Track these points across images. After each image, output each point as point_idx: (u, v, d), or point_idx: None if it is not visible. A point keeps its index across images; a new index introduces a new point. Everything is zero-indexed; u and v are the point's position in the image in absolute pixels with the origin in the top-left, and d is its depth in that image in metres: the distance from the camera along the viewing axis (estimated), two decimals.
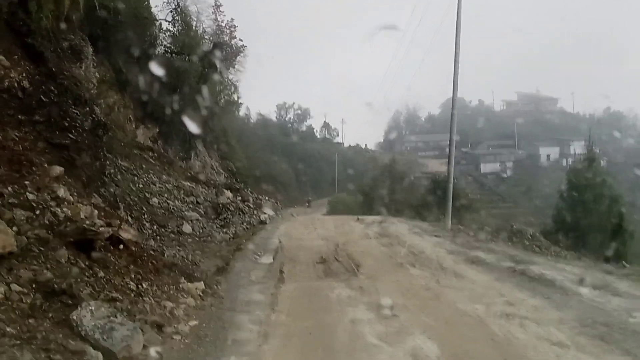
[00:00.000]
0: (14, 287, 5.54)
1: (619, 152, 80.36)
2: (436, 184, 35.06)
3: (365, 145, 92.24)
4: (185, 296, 7.99)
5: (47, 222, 6.81)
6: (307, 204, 48.77)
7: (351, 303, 8.56)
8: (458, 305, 8.11)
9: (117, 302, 6.39)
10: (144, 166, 21.02)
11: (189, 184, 22.29)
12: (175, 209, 18.30)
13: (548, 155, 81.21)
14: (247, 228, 19.04)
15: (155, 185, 19.56)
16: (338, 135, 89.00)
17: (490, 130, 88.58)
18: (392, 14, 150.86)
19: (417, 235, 16.26)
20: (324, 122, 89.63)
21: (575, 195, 18.66)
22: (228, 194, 22.76)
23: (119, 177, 16.40)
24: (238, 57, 30.93)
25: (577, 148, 63.40)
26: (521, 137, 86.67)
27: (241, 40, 30.42)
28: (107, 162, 13.51)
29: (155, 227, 15.86)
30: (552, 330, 6.68)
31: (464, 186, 48.80)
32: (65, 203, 7.57)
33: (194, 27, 29.26)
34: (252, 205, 23.33)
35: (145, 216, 16.18)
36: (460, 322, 7.23)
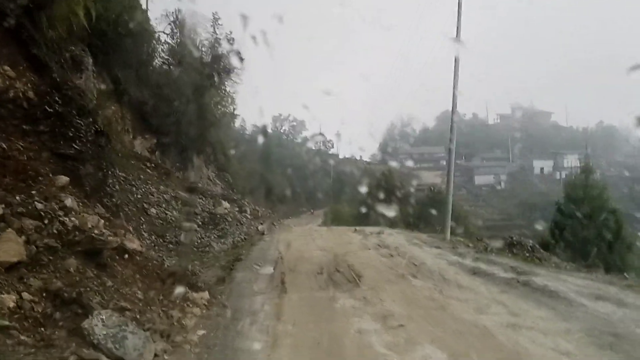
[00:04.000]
0: (25, 295, 5.54)
1: (612, 165, 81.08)
2: (432, 195, 35.19)
3: (360, 156, 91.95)
4: (191, 306, 7.99)
5: (55, 232, 6.80)
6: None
7: (356, 313, 8.56)
8: (464, 316, 8.12)
9: (127, 311, 6.38)
10: (141, 177, 20.95)
11: (186, 194, 22.22)
12: (173, 219, 18.27)
13: (542, 169, 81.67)
14: (245, 238, 19.03)
15: (153, 195, 19.52)
16: (333, 146, 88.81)
17: (484, 143, 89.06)
18: (393, 23, 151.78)
19: (417, 246, 16.27)
20: (319, 133, 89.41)
21: (573, 207, 18.79)
22: (225, 204, 22.76)
23: (117, 187, 16.30)
24: (235, 69, 31.02)
25: (571, 161, 63.93)
26: (515, 150, 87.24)
27: (239, 53, 30.52)
28: (109, 173, 13.49)
29: (153, 237, 15.83)
30: (560, 341, 6.70)
31: (458, 198, 48.92)
32: (73, 212, 7.56)
33: (191, 40, 29.35)
34: (249, 216, 23.38)
35: (144, 226, 16.15)
36: (467, 332, 7.24)
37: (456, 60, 18.26)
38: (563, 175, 58.51)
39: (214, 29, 29.75)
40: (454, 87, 18.55)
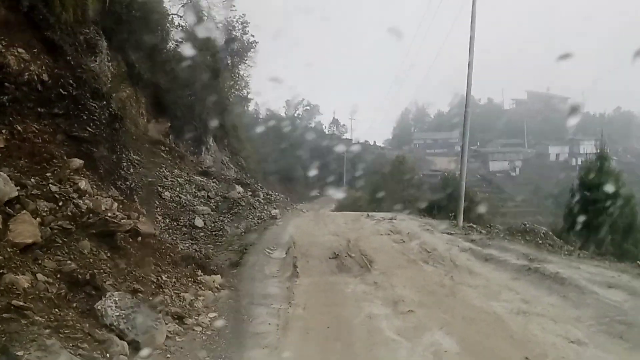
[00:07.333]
0: (40, 276, 5.62)
1: (629, 152, 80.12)
2: (446, 181, 34.98)
3: (374, 142, 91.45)
4: (204, 288, 8.09)
5: (70, 214, 6.88)
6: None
7: (367, 298, 8.60)
8: (474, 302, 8.13)
9: (139, 293, 6.47)
10: (155, 160, 21.05)
11: (200, 178, 22.32)
12: (187, 202, 18.37)
13: (557, 155, 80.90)
14: (258, 223, 19.09)
15: (167, 179, 19.64)
16: (347, 131, 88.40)
17: (499, 128, 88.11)
18: (406, 10, 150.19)
19: (429, 232, 16.24)
20: (333, 118, 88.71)
21: (587, 194, 18.59)
22: (239, 188, 22.79)
23: (131, 170, 16.41)
24: (249, 53, 30.99)
25: (587, 147, 63.09)
26: (530, 136, 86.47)
27: (252, 36, 30.47)
28: (123, 156, 13.58)
29: (167, 220, 15.96)
30: (570, 328, 6.69)
31: (472, 184, 48.70)
32: (87, 195, 7.64)
33: (205, 22, 29.29)
34: (262, 200, 23.37)
35: (158, 210, 16.27)
36: (477, 318, 7.25)
37: (471, 42, 18.03)
38: (579, 162, 57.88)
39: (227, 11, 29.69)
40: (468, 72, 18.36)
